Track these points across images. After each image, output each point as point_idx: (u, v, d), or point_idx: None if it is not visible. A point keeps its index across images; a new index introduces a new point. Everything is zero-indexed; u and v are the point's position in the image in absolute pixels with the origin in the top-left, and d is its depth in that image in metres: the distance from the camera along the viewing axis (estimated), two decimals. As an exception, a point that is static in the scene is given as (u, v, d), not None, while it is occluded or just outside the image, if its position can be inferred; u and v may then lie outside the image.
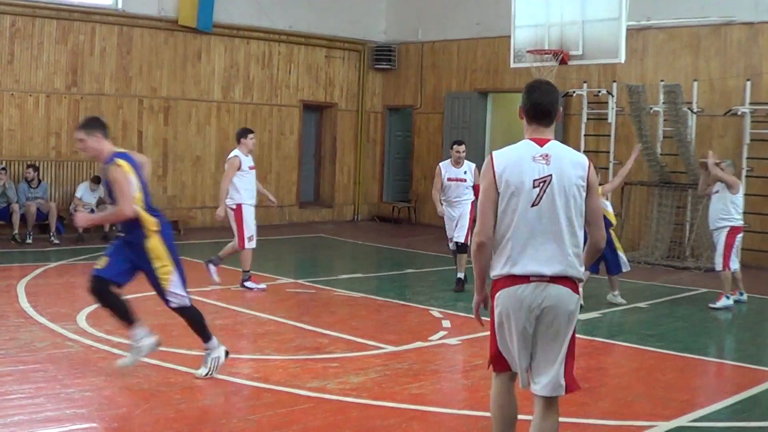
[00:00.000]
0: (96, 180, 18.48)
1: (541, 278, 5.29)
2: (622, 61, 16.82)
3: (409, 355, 9.57)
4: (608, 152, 19.13)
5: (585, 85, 19.65)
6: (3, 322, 10.27)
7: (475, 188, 13.13)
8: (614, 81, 19.21)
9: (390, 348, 9.74)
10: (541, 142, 5.40)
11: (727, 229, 12.93)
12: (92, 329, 9.98)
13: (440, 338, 10.33)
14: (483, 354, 9.55)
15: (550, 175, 5.32)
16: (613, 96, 19.11)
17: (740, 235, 13.18)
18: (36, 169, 18.32)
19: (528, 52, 17.51)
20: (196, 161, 21.38)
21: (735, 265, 13.16)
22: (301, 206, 23.62)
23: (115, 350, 9.08)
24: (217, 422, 6.99)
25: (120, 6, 20.07)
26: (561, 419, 5.50)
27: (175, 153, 21.03)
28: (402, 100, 24.59)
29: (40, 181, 18.36)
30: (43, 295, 12.16)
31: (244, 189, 13.11)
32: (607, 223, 11.24)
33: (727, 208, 12.95)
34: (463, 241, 13.35)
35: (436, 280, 14.80)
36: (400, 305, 12.52)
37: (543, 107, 5.44)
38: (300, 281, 14.23)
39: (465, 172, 13.64)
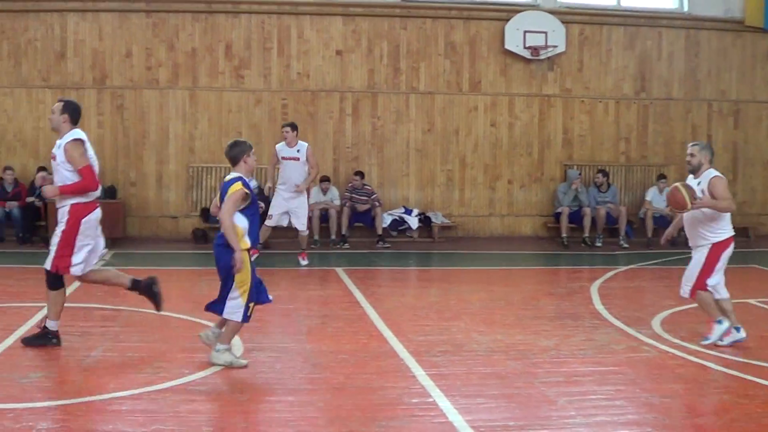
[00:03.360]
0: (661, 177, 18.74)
1: None
2: None
3: None
4: None
5: None
6: (580, 323, 10.67)
7: None
8: None
9: None
10: None
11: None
12: (667, 335, 10.02)
13: None
14: None
15: None
16: None
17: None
18: (606, 173, 18.81)
19: None
20: (766, 165, 20.61)
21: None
22: None
23: (691, 357, 9.05)
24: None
25: (686, 9, 20.00)
26: None
27: (745, 157, 20.44)
28: None
29: (609, 186, 18.83)
30: (615, 298, 12.46)
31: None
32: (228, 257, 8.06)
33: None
34: None
35: None
36: None
37: None
38: None
39: None
